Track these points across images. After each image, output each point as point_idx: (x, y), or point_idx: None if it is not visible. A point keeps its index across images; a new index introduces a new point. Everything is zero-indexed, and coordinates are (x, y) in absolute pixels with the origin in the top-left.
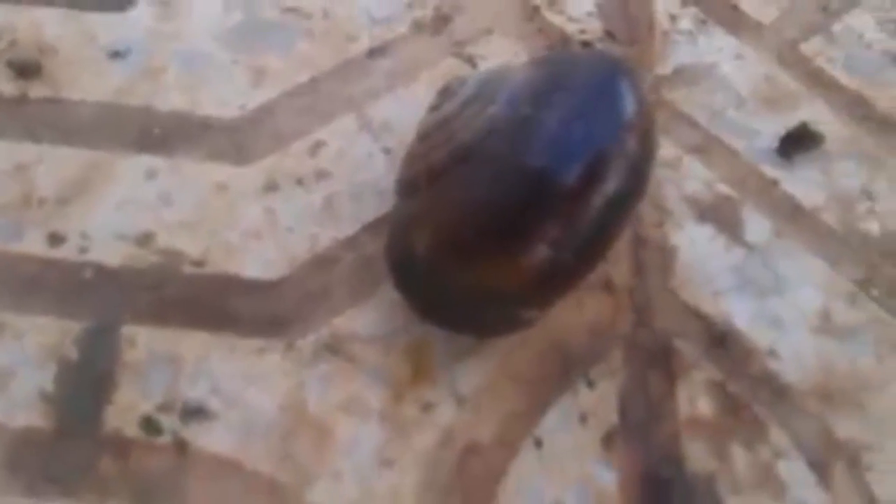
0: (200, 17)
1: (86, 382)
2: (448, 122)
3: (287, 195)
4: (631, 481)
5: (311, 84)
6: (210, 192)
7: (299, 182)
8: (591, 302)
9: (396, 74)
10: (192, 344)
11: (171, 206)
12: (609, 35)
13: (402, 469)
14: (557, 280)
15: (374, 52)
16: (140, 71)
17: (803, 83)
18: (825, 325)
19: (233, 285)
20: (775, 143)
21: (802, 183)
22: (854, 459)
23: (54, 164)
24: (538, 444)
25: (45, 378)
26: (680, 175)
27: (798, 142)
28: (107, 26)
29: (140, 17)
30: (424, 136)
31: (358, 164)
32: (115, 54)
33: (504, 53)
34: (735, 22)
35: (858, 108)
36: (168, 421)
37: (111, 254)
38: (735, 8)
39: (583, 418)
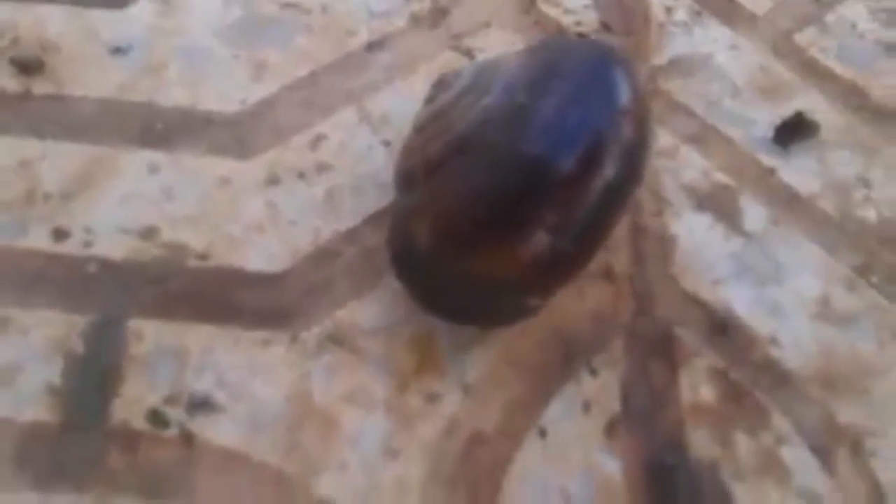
0: (200, 13)
1: (92, 376)
2: (444, 113)
3: (289, 188)
4: (635, 469)
5: (310, 78)
6: (212, 186)
7: (301, 175)
8: (591, 291)
9: (395, 68)
10: (197, 337)
11: (174, 200)
12: (605, 27)
13: (408, 459)
14: (558, 267)
15: (373, 46)
16: (142, 67)
17: (798, 73)
18: (825, 311)
19: (237, 278)
20: (771, 133)
21: (799, 171)
22: (857, 445)
23: (58, 159)
24: (542, 433)
25: (51, 372)
26: (677, 164)
27: (794, 131)
28: (108, 23)
29: (141, 13)
30: (420, 129)
31: (359, 156)
32: (117, 50)
33: (501, 46)
34: (729, 13)
35: (853, 98)
36: (175, 413)
37: (115, 248)
38: None
39: (586, 407)
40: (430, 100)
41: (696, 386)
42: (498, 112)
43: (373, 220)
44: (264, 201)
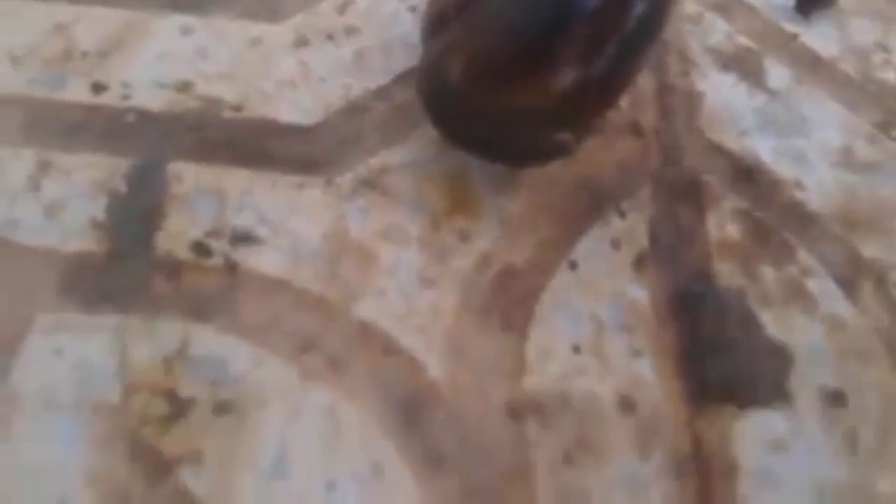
0: None
1: (136, 211)
2: None
3: (318, 49)
4: (663, 296)
5: None
6: (244, 46)
7: (329, 37)
8: (619, 144)
9: None
10: (235, 179)
11: (208, 58)
12: None
13: (442, 289)
14: (589, 97)
15: None
16: None
17: None
18: (847, 160)
19: (271, 129)
20: (792, 1)
21: (820, 37)
22: (881, 278)
23: (92, 23)
24: (573, 266)
25: (96, 208)
26: (702, 29)
27: None
28: None
29: None
30: None
31: (386, 20)
32: None
33: None
34: None
35: None
36: (218, 245)
37: (152, 100)
38: None
39: (615, 244)
40: None
41: (723, 225)
42: None
43: (402, 78)
44: (295, 60)
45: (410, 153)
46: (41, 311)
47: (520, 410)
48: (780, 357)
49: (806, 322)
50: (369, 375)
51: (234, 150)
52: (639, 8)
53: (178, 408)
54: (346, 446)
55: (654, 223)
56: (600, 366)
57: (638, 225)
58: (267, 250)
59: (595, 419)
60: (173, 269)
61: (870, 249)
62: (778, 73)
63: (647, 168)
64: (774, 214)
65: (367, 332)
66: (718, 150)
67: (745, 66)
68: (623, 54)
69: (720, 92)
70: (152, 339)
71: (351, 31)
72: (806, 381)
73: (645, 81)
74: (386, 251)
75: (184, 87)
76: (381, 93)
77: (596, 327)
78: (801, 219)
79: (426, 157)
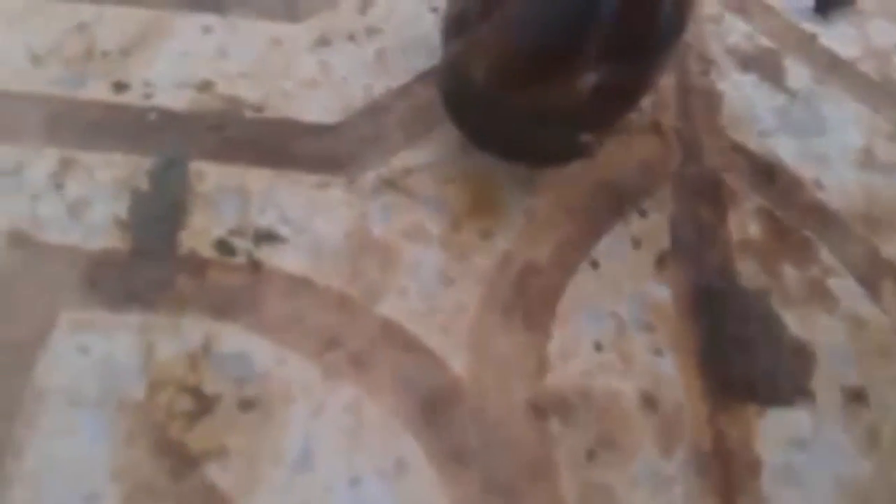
0: None
1: (159, 210)
2: None
3: (339, 49)
4: (685, 294)
5: None
6: (265, 46)
7: (350, 37)
8: (640, 144)
9: None
10: (257, 178)
11: (229, 58)
12: None
13: (464, 287)
14: (611, 98)
15: None
16: None
17: None
18: (868, 160)
19: (292, 128)
20: (811, 2)
21: (839, 38)
22: None
23: (113, 22)
24: (594, 265)
25: (119, 207)
26: (722, 29)
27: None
28: None
29: None
30: None
31: (407, 21)
32: None
33: None
34: None
35: None
36: (241, 243)
37: (174, 99)
38: None
39: (636, 243)
40: None
41: (745, 224)
42: None
43: (423, 78)
44: (316, 60)
45: (432, 152)
46: (66, 309)
47: (542, 408)
48: (801, 355)
49: (827, 321)
50: (392, 373)
51: (255, 149)
52: (665, 8)
53: (204, 404)
54: (369, 442)
55: (675, 222)
56: (622, 364)
57: (659, 224)
58: (290, 249)
59: (617, 416)
60: (197, 267)
61: (891, 248)
62: (798, 74)
63: (668, 168)
64: (795, 214)
65: (389, 330)
66: (739, 150)
67: (765, 66)
68: (646, 56)
69: (741, 92)
70: (177, 337)
71: (372, 31)
72: (827, 379)
73: (666, 81)
74: (408, 250)
75: (205, 86)
76: (402, 92)
77: (617, 325)
78: (822, 218)
79: (448, 156)
